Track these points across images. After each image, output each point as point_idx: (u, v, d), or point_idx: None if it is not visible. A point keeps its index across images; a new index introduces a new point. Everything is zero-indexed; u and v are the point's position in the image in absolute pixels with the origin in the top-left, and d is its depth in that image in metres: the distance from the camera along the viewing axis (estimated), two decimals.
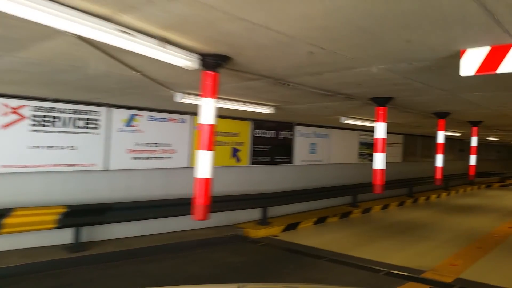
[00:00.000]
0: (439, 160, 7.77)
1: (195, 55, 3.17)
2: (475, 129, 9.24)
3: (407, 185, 16.12)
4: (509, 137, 17.40)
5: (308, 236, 9.23)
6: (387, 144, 15.61)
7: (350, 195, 12.92)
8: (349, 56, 3.31)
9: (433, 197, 17.23)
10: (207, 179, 3.42)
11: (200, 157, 3.48)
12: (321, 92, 5.33)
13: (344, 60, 3.44)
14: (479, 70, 2.89)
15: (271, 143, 10.76)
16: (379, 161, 5.63)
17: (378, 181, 5.52)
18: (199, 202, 3.33)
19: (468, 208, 15.10)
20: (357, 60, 3.45)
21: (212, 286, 3.75)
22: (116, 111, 7.58)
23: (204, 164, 3.43)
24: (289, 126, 11.27)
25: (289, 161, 11.35)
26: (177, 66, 3.35)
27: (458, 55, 3.00)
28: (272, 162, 10.83)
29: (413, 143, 17.42)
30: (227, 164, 9.63)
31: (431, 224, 11.30)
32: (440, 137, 7.79)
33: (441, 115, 7.74)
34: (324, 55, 3.28)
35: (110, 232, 7.60)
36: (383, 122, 5.73)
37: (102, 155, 7.46)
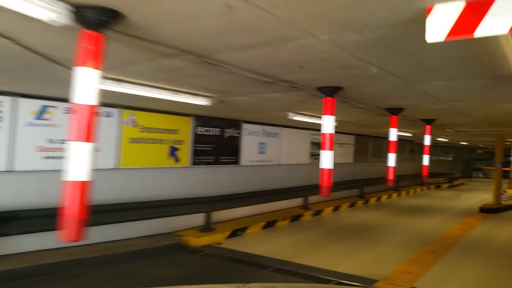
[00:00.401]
0: (392, 160, 7.22)
1: (64, 5, 2.22)
2: (428, 127, 8.84)
3: (358, 186, 15.97)
4: (459, 138, 17.62)
5: (255, 243, 8.56)
6: (339, 144, 15.16)
7: (301, 197, 12.37)
8: (281, 16, 2.49)
9: (384, 198, 17.16)
10: (83, 183, 2.43)
11: (72, 151, 2.45)
12: (261, 79, 4.53)
13: (276, 24, 2.61)
14: (451, 33, 2.15)
15: (215, 141, 9.89)
16: (326, 159, 4.82)
17: (326, 182, 4.72)
18: (71, 216, 2.32)
19: (419, 209, 15.10)
20: (293, 24, 2.64)
21: (212, 286, 3.73)
22: (23, 101, 6.37)
23: (78, 162, 2.42)
24: (235, 124, 10.46)
25: (235, 161, 10.54)
26: (53, 27, 2.41)
27: (422, 15, 2.26)
28: (216, 162, 9.96)
29: (364, 144, 17.24)
30: (163, 165, 8.63)
31: (383, 227, 11.00)
32: (393, 134, 7.25)
33: (394, 111, 7.22)
34: (248, 13, 2.44)
35: (18, 245, 6.43)
36: (331, 115, 5.00)
37: (5, 154, 6.23)
